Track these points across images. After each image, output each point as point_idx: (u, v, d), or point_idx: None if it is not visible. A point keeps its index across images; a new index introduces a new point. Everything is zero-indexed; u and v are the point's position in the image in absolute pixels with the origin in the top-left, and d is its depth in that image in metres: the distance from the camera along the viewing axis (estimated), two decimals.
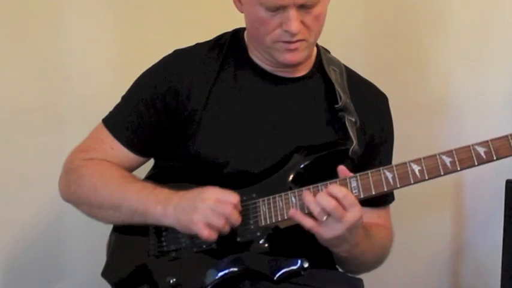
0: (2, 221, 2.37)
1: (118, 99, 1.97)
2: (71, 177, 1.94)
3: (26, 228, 2.41)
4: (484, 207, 2.65)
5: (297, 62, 1.89)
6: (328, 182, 1.76)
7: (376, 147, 1.99)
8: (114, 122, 1.95)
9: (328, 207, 1.68)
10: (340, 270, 2.00)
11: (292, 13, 1.79)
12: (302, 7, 1.80)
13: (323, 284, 1.86)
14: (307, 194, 1.72)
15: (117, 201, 1.85)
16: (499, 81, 2.62)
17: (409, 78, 2.67)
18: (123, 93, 1.98)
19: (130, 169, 1.97)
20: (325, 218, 1.69)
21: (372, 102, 2.01)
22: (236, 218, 1.75)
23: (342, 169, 1.76)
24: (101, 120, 1.97)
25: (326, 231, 1.71)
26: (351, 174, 1.75)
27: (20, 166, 2.37)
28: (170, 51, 1.98)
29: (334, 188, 1.70)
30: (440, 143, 2.60)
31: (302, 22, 1.82)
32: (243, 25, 1.96)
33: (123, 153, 1.94)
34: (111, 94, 1.98)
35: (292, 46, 1.84)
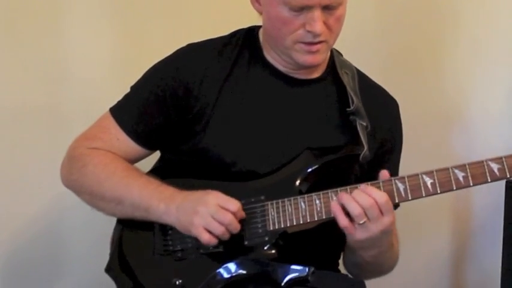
0: (2, 220, 2.36)
1: (119, 100, 1.96)
2: (74, 164, 1.92)
3: (27, 228, 2.40)
4: (484, 207, 2.66)
5: (317, 64, 1.88)
6: (338, 189, 1.75)
7: (385, 154, 1.98)
8: (121, 113, 1.93)
9: (365, 204, 1.68)
10: (342, 272, 2.01)
11: (317, 14, 1.77)
12: (326, 8, 1.78)
13: (325, 286, 1.85)
14: (344, 194, 1.71)
15: (120, 195, 1.84)
16: None
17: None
18: (126, 91, 1.96)
19: (135, 160, 1.96)
20: (363, 221, 1.69)
21: (383, 108, 2.00)
22: (235, 227, 1.74)
23: (384, 174, 1.76)
24: (108, 109, 1.95)
25: (360, 232, 1.71)
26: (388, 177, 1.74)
27: (21, 166, 2.36)
28: (171, 52, 1.96)
29: (375, 191, 1.70)
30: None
31: (324, 23, 1.80)
32: (247, 25, 1.95)
33: (128, 144, 1.92)
34: (112, 94, 1.96)
35: (314, 48, 1.82)
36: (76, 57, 2.38)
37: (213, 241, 1.74)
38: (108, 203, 1.87)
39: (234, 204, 1.74)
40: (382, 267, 1.93)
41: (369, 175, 1.82)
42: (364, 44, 2.57)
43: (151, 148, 1.97)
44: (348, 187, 1.75)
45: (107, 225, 1.93)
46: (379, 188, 1.73)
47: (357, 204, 1.68)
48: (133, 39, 2.42)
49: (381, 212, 1.69)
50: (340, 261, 2.03)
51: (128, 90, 1.96)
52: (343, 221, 1.71)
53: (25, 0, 2.33)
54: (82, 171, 1.90)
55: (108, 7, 2.40)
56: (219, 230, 1.73)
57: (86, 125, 1.96)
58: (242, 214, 1.77)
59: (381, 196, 1.69)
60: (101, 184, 1.86)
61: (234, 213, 1.74)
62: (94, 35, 2.39)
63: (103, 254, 1.92)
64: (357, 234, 1.71)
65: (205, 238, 1.74)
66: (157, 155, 2.01)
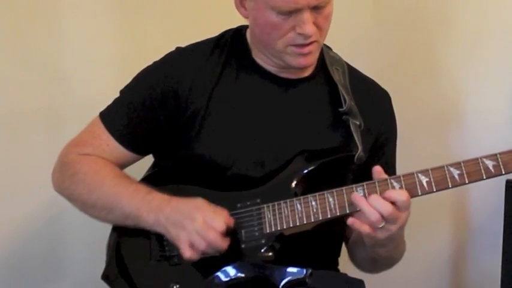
0: (2, 220, 2.36)
1: (109, 104, 1.96)
2: (65, 171, 1.92)
3: (26, 229, 2.40)
4: (484, 207, 2.64)
5: (310, 65, 1.89)
6: (334, 190, 1.75)
7: (380, 147, 1.98)
8: (111, 118, 1.93)
9: (385, 212, 1.67)
10: (341, 271, 2.01)
11: (307, 16, 1.78)
12: (315, 8, 1.78)
13: (324, 285, 1.85)
14: (360, 200, 1.70)
15: (110, 204, 1.85)
16: None
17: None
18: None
19: (126, 165, 1.96)
20: (382, 225, 1.68)
21: (375, 101, 2.00)
22: (219, 245, 1.74)
23: (377, 170, 1.75)
24: (98, 114, 1.95)
25: (381, 233, 1.71)
26: (385, 176, 1.73)
27: (20, 166, 2.36)
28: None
29: (393, 193, 1.68)
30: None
31: (314, 23, 1.80)
32: (244, 23, 1.94)
33: (118, 150, 1.92)
34: (111, 94, 1.97)
35: (306, 50, 1.83)
36: (76, 57, 2.38)
37: (194, 257, 1.75)
38: (99, 211, 1.88)
39: (221, 222, 1.74)
40: (394, 259, 1.94)
41: (366, 170, 1.81)
42: (359, 45, 2.57)
43: (142, 153, 1.97)
44: (344, 188, 1.75)
45: (107, 226, 1.92)
46: (374, 187, 1.72)
47: (375, 210, 1.68)
48: (134, 39, 2.43)
49: (399, 210, 1.69)
50: (339, 259, 2.03)
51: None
52: (366, 229, 1.70)
53: (25, 1, 2.33)
54: (72, 179, 1.90)
55: (108, 7, 2.40)
56: (202, 245, 1.73)
57: (84, 126, 1.97)
58: (231, 223, 1.76)
59: (400, 195, 1.68)
60: (91, 193, 1.87)
61: (219, 232, 1.73)
62: (94, 35, 2.39)
63: (103, 254, 1.91)
64: (377, 235, 1.71)
65: (187, 254, 1.75)
66: (151, 157, 2.01)
